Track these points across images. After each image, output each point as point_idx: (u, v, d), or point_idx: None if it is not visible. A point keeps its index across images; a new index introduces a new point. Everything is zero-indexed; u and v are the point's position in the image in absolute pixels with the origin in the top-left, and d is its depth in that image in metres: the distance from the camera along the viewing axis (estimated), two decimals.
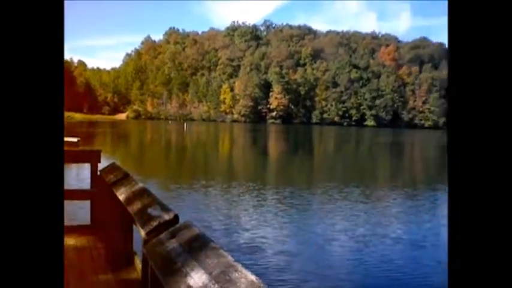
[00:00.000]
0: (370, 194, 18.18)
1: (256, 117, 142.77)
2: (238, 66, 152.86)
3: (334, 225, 12.55)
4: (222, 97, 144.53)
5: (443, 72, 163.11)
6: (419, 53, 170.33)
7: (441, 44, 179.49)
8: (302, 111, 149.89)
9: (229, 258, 1.99)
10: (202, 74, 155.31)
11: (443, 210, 15.57)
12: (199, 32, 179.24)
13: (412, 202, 16.70)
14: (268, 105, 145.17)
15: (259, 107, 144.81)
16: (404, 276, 8.85)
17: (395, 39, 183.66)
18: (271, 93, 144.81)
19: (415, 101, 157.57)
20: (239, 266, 1.90)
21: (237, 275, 1.83)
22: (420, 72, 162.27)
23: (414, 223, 13.37)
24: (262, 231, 11.44)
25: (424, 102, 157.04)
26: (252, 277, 1.77)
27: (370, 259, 9.71)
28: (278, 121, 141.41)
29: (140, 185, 4.26)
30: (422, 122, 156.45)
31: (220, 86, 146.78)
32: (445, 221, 13.69)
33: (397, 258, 9.87)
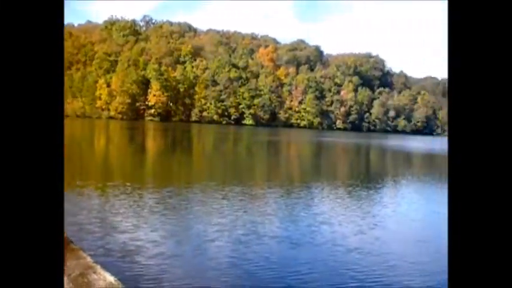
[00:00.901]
0: (249, 192, 18.46)
1: (134, 114, 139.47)
2: (116, 61, 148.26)
3: (214, 225, 12.51)
4: (98, 93, 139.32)
5: (318, 74, 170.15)
6: (297, 54, 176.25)
7: (317, 47, 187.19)
8: (181, 109, 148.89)
9: (89, 259, 1.90)
10: (78, 69, 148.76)
11: (319, 207, 16.17)
12: (75, 25, 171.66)
13: (289, 200, 17.15)
14: (146, 102, 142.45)
15: (137, 104, 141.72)
16: (283, 275, 8.99)
17: (274, 41, 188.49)
18: (149, 90, 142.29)
19: (291, 101, 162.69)
20: (98, 268, 1.81)
21: (95, 276, 1.75)
22: (297, 73, 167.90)
23: (293, 221, 13.67)
24: (139, 233, 11.14)
25: (300, 103, 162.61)
26: (111, 278, 1.70)
27: (250, 259, 9.77)
28: (156, 118, 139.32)
29: None
30: (298, 121, 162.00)
31: (96, 82, 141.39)
32: (321, 218, 14.25)
33: (276, 257, 10.00)
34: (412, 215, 16.24)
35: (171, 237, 11.15)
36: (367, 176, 29.30)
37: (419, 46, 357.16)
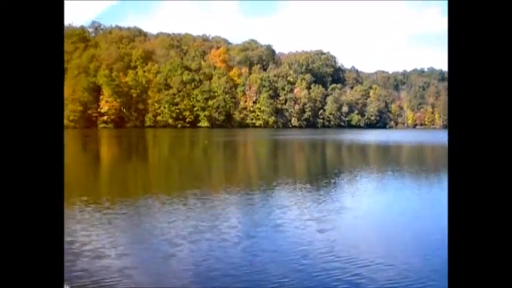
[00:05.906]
0: (213, 198, 17.68)
1: (86, 122, 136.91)
2: (65, 69, 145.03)
3: (183, 238, 11.88)
4: None
5: (271, 73, 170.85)
6: (249, 54, 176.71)
7: (269, 46, 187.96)
8: (135, 115, 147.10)
9: None
10: None
11: (299, 210, 15.52)
12: None
13: (264, 203, 16.42)
14: (98, 109, 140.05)
15: (89, 111, 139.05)
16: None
17: (226, 41, 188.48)
18: (101, 97, 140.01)
19: (246, 101, 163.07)
20: None
21: None
22: (250, 73, 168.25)
23: (275, 228, 12.87)
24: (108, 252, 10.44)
25: (254, 102, 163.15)
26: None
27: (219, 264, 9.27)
28: (110, 125, 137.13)
29: None
30: (254, 121, 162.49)
31: None
32: (311, 223, 13.72)
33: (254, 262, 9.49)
34: (399, 209, 16.00)
35: (133, 250, 10.48)
36: (333, 172, 29.00)
37: (368, 41, 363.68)
